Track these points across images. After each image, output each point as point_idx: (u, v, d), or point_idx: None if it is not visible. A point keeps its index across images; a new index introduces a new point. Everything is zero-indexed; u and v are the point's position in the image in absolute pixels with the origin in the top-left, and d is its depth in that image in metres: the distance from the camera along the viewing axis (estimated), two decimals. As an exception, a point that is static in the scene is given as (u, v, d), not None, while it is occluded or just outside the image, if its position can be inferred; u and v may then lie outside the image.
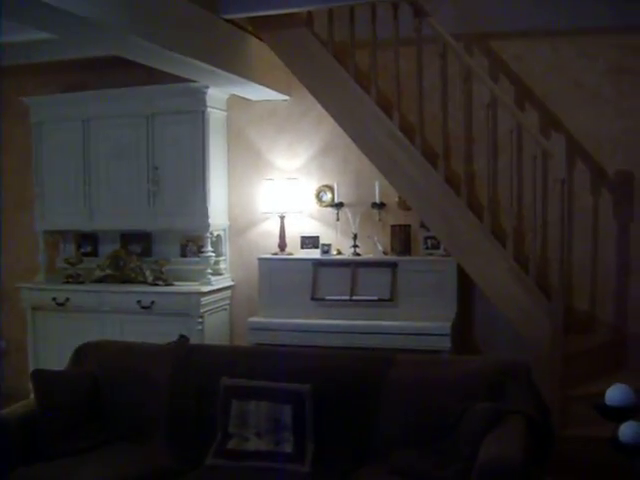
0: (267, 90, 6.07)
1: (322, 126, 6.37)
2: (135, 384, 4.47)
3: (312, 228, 6.43)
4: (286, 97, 6.41)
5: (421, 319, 5.77)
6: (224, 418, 4.21)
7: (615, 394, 3.55)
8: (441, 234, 5.57)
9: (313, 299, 6.01)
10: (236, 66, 5.55)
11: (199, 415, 4.35)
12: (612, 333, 5.94)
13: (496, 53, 6.01)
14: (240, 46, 5.64)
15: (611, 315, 5.99)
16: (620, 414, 3.49)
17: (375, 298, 5.92)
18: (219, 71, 5.34)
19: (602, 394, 5.30)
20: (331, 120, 6.09)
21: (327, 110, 5.55)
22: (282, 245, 6.32)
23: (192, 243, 6.64)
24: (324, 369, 4.32)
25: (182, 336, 4.78)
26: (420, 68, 5.47)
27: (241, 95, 6.38)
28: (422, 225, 6.07)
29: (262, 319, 6.02)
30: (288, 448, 4.08)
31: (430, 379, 4.22)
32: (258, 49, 5.82)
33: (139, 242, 6.76)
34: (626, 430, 3.50)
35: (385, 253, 6.17)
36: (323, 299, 6.00)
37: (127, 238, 6.79)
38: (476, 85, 5.52)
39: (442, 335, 5.67)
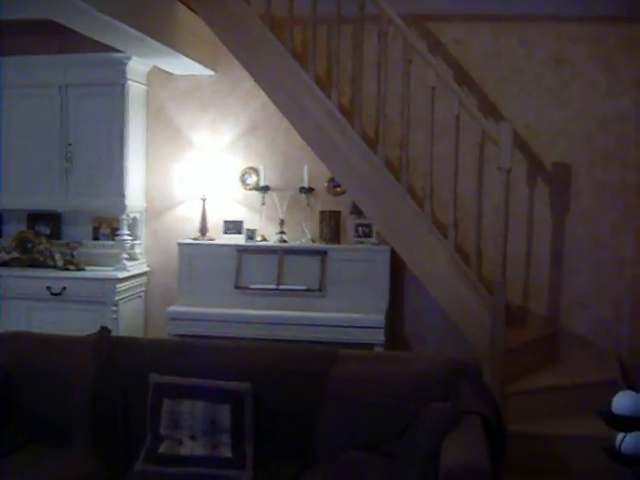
0: (193, 63, 5.66)
1: (249, 104, 6.04)
2: (53, 381, 4.03)
3: (235, 212, 6.06)
4: (211, 72, 6.01)
5: (352, 310, 5.51)
6: (154, 419, 3.83)
7: (622, 402, 3.27)
8: (379, 223, 5.27)
9: (237, 288, 5.68)
10: (165, 35, 5.14)
11: (126, 415, 3.96)
12: (545, 327, 5.83)
13: (434, 36, 5.78)
14: (169, 14, 5.25)
15: (544, 309, 5.88)
16: (628, 423, 3.21)
17: (303, 288, 5.62)
18: (148, 39, 4.90)
19: (539, 390, 5.24)
20: (259, 98, 5.82)
21: (262, 87, 5.18)
22: (203, 230, 5.93)
23: (105, 225, 6.18)
24: (264, 365, 4.00)
25: (103, 328, 4.33)
26: (360, 47, 5.16)
27: (164, 68, 5.95)
28: (352, 212, 5.81)
29: (182, 308, 5.62)
30: (226, 452, 3.76)
31: (378, 377, 3.96)
32: (187, 19, 5.43)
33: (47, 223, 6.23)
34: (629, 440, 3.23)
35: (313, 240, 5.89)
36: (248, 288, 5.67)
37: (34, 218, 6.25)
38: (418, 68, 5.26)
39: (375, 328, 5.43)
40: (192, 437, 3.79)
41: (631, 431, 3.19)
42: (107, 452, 3.86)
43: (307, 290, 5.61)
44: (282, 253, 5.70)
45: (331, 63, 5.30)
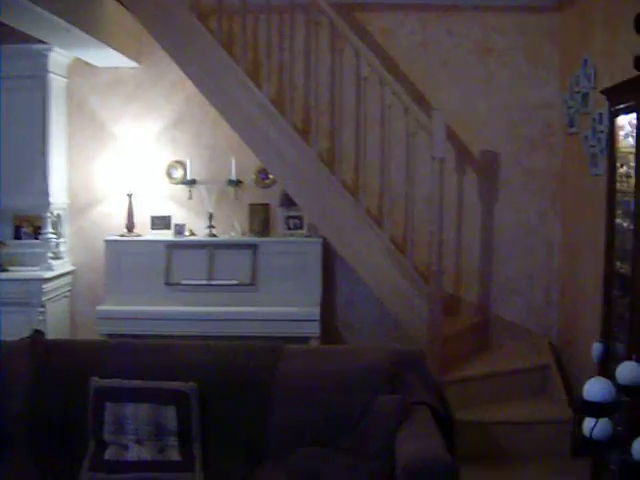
0: (116, 55, 5.48)
1: (174, 97, 5.90)
2: (-15, 388, 3.83)
3: (163, 207, 5.91)
4: (135, 65, 5.83)
5: (285, 304, 5.47)
6: (97, 424, 3.66)
7: (594, 388, 3.24)
8: (313, 214, 5.23)
9: (167, 284, 5.55)
10: (90, 25, 4.94)
11: (66, 421, 3.75)
12: (477, 315, 5.88)
13: (362, 25, 5.74)
14: (94, 4, 5.05)
15: (475, 296, 5.93)
16: (600, 410, 3.19)
17: (235, 282, 5.54)
18: (75, 29, 4.70)
19: (476, 378, 5.28)
20: (184, 91, 5.73)
21: (191, 79, 5.06)
22: (130, 226, 5.77)
23: (27, 224, 5.95)
24: (208, 364, 3.88)
25: (37, 331, 4.18)
26: (292, 37, 5.15)
27: (87, 60, 5.72)
28: (282, 204, 5.75)
29: (112, 307, 5.48)
30: (174, 455, 3.62)
31: (325, 371, 3.89)
32: (112, 10, 5.26)
33: (-37, 222, 5.97)
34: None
35: (243, 234, 5.80)
36: (178, 284, 5.55)
37: (-52, 218, 5.98)
38: (346, 58, 5.23)
39: (311, 321, 5.39)
40: (138, 441, 3.64)
41: (602, 417, 3.19)
42: (48, 461, 3.67)
43: (239, 284, 5.53)
44: (212, 248, 5.59)
45: (260, 53, 5.22)
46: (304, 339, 5.38)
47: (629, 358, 3.83)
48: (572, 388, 5.36)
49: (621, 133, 4.09)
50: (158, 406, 3.69)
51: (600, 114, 4.96)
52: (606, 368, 4.19)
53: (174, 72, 5.60)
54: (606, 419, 3.17)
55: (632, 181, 3.99)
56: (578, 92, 5.38)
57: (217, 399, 3.80)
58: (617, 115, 4.08)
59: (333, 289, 5.91)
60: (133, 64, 5.82)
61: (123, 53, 5.51)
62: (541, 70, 5.81)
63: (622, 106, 4.02)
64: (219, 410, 3.80)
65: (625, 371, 3.30)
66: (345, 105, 5.31)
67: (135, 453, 3.62)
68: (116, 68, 5.89)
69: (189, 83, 5.61)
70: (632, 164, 4.01)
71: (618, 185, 4.10)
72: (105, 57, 5.57)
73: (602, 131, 4.95)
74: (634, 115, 3.84)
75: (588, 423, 3.17)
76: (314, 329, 5.38)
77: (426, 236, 5.11)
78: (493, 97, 5.82)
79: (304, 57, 5.21)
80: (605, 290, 4.20)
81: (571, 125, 5.55)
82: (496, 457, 4.93)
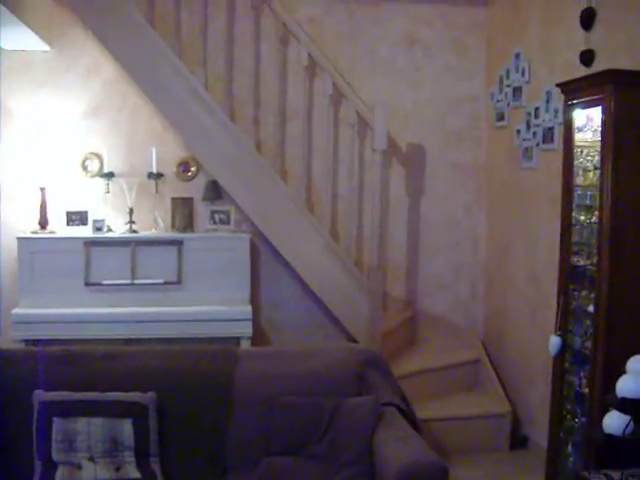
0: (26, 35, 4.95)
1: (89, 83, 5.47)
2: None
3: (78, 202, 5.47)
4: (46, 48, 5.38)
5: (213, 303, 5.22)
6: (43, 443, 3.33)
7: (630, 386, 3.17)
8: (251, 209, 5.02)
9: (87, 284, 5.17)
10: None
11: (6, 441, 3.39)
12: (405, 310, 5.82)
13: (288, 14, 5.54)
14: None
15: (403, 291, 5.86)
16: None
17: (161, 281, 5.23)
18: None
19: (412, 374, 5.20)
20: (100, 77, 5.42)
21: (121, 64, 4.76)
22: (43, 222, 5.32)
23: None
24: (161, 371, 3.65)
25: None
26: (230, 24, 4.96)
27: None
28: (205, 198, 5.49)
29: (28, 310, 5.03)
30: (133, 472, 3.34)
31: (286, 374, 3.74)
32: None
33: None
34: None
35: (165, 230, 5.49)
36: (99, 284, 5.18)
37: None
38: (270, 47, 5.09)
39: (242, 320, 5.16)
40: (91, 459, 3.33)
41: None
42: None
43: (165, 283, 5.23)
44: (135, 245, 5.23)
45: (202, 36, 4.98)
46: (235, 339, 5.16)
47: (586, 351, 3.89)
48: (503, 382, 5.40)
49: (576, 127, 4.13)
50: (114, 420, 3.40)
51: (536, 108, 4.99)
52: (562, 361, 4.23)
53: (89, 56, 5.30)
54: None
55: (590, 175, 4.03)
56: (508, 86, 5.40)
57: (175, 409, 3.57)
58: (573, 109, 4.09)
59: (258, 287, 5.69)
60: (44, 47, 5.35)
61: (35, 31, 4.97)
62: (467, 63, 5.81)
63: (578, 100, 4.04)
64: (178, 421, 3.55)
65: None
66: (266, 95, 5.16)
67: (91, 473, 3.31)
68: (24, 51, 5.40)
69: (106, 68, 5.34)
70: (589, 157, 4.06)
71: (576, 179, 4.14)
72: (14, 37, 5.05)
73: (538, 125, 4.99)
74: (595, 109, 3.88)
75: (614, 420, 3.14)
76: (246, 329, 5.15)
77: (351, 230, 5.08)
78: (419, 89, 5.77)
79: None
80: (561, 283, 4.21)
81: (500, 119, 5.57)
82: (442, 454, 4.89)
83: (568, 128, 4.12)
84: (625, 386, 3.17)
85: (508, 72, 5.38)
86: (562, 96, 4.55)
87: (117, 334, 5.00)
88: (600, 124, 3.75)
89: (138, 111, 5.41)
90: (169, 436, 3.51)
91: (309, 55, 4.88)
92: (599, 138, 3.83)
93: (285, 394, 3.64)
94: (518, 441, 5.15)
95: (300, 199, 4.92)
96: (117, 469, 3.34)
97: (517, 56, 5.23)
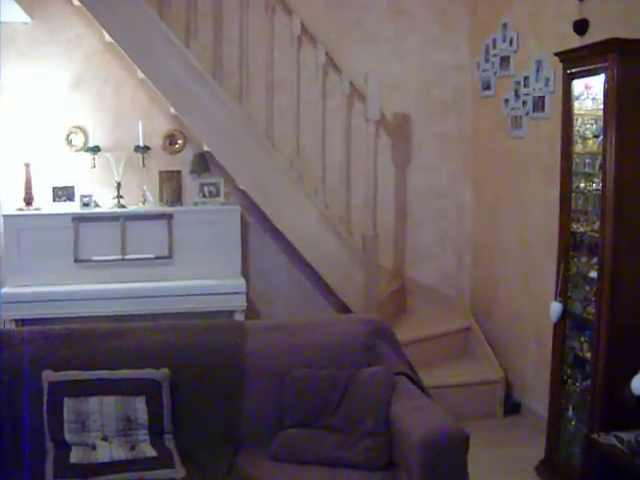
0: (10, 5, 4.78)
1: (72, 56, 5.36)
2: None
3: (64, 177, 5.35)
4: (27, 19, 5.23)
5: (205, 276, 5.20)
6: (55, 424, 3.25)
7: None
8: (245, 180, 4.99)
9: (77, 261, 5.10)
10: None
11: (15, 424, 3.31)
12: (393, 280, 5.85)
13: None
14: None
15: (390, 262, 5.88)
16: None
17: (152, 256, 5.17)
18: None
19: (406, 344, 5.22)
20: (82, 49, 5.30)
21: (111, 34, 4.66)
22: (29, 198, 5.22)
23: None
24: (173, 347, 3.59)
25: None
26: None
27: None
28: (193, 170, 5.44)
29: (16, 289, 4.95)
30: (149, 451, 3.27)
31: (296, 347, 3.72)
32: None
33: None
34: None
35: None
36: (89, 260, 5.12)
37: None
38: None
39: (237, 293, 5.14)
40: (105, 439, 3.26)
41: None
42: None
43: (156, 258, 5.17)
44: (124, 220, 5.16)
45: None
46: (228, 313, 5.15)
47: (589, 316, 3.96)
48: (494, 349, 5.46)
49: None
50: (127, 398, 3.34)
51: (526, 77, 5.03)
52: (564, 327, 4.29)
53: (71, 28, 5.21)
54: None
55: (590, 142, 4.08)
56: (495, 55, 5.43)
57: (188, 385, 3.52)
58: (573, 78, 4.13)
59: (247, 259, 5.66)
60: (26, 18, 5.21)
61: (17, 1, 4.87)
62: (452, 33, 5.84)
63: (578, 69, 4.08)
64: (191, 397, 3.51)
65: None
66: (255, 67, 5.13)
67: (106, 453, 3.22)
68: (5, 23, 5.23)
69: (88, 40, 5.26)
70: (587, 126, 4.11)
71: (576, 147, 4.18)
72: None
73: (528, 94, 5.03)
74: (595, 78, 3.92)
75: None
76: (240, 302, 5.14)
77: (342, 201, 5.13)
78: (405, 59, 5.77)
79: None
80: (562, 250, 4.26)
81: (486, 88, 5.60)
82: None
83: (567, 97, 4.16)
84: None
85: (495, 42, 5.40)
86: (554, 65, 4.62)
87: (109, 311, 4.94)
88: (603, 92, 3.79)
89: (122, 84, 5.33)
90: (182, 413, 3.47)
91: (302, 25, 4.84)
92: (599, 107, 3.89)
93: (296, 367, 3.62)
94: (511, 407, 5.24)
95: (294, 170, 4.90)
96: (132, 448, 3.28)
97: (504, 26, 5.26)
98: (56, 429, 3.27)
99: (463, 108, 5.87)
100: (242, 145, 4.88)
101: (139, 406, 3.35)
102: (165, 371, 3.45)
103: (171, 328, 3.77)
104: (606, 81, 3.77)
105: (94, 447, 3.25)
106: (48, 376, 3.35)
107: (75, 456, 3.20)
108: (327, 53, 4.86)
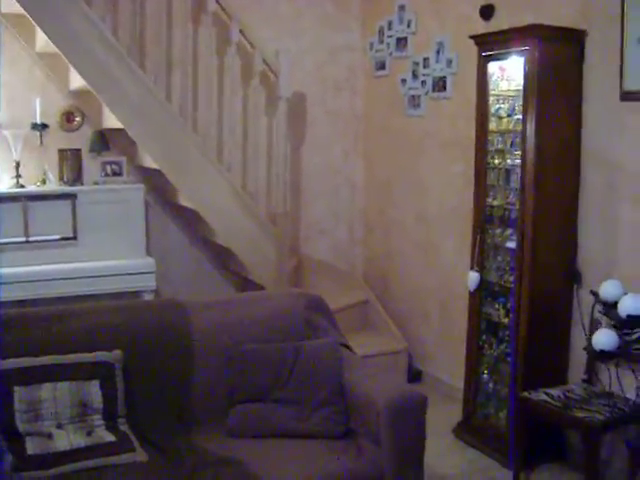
0: None
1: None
2: None
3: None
4: None
5: (112, 257, 5.11)
6: (6, 413, 3.11)
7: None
8: (157, 156, 4.89)
9: (-23, 245, 4.86)
10: None
11: None
12: (290, 256, 5.93)
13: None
14: None
15: (288, 238, 5.96)
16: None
17: (56, 237, 5.01)
18: None
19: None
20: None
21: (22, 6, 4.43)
22: None
23: None
24: (121, 328, 3.52)
25: None
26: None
27: None
28: (92, 149, 5.30)
29: None
30: (106, 436, 3.20)
31: (240, 322, 3.78)
32: None
33: None
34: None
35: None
36: (-10, 243, 4.89)
37: None
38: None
39: (147, 273, 5.09)
40: (59, 427, 3.17)
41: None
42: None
43: (61, 239, 5.01)
44: (26, 200, 4.94)
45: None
46: (137, 294, 5.09)
47: (507, 284, 4.25)
48: (394, 320, 5.68)
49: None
50: (81, 382, 3.25)
51: (425, 58, 5.25)
52: (480, 295, 4.57)
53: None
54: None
55: (505, 121, 4.36)
56: (391, 37, 5.62)
57: (138, 366, 3.48)
58: (489, 60, 4.38)
59: (148, 240, 5.57)
60: None
61: None
62: (344, 13, 5.96)
63: (494, 52, 4.34)
64: (142, 378, 3.47)
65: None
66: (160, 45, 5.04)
67: (64, 441, 3.11)
68: None
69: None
70: (502, 105, 4.39)
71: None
72: None
73: (428, 74, 5.26)
74: (511, 60, 4.20)
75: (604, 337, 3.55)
76: (149, 282, 5.09)
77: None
78: (300, 38, 5.84)
79: None
80: (477, 222, 4.52)
81: (380, 68, 5.78)
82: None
83: (482, 78, 4.41)
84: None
85: (390, 23, 5.60)
86: (456, 47, 4.89)
87: (15, 296, 4.69)
88: (523, 74, 4.08)
89: (17, 60, 5.11)
90: (134, 395, 3.43)
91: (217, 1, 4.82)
92: (515, 87, 4.20)
93: (243, 342, 3.67)
94: (413, 375, 5.49)
95: (207, 146, 4.90)
96: (88, 434, 3.19)
97: (402, 8, 5.46)
98: (7, 420, 3.11)
99: (355, 87, 6.04)
100: (156, 121, 4.80)
101: (93, 390, 3.28)
102: (118, 353, 3.39)
103: (111, 309, 3.69)
104: (526, 64, 4.05)
105: (50, 436, 3.14)
106: (-5, 364, 3.19)
107: (31, 447, 3.07)
108: (241, 30, 4.86)
